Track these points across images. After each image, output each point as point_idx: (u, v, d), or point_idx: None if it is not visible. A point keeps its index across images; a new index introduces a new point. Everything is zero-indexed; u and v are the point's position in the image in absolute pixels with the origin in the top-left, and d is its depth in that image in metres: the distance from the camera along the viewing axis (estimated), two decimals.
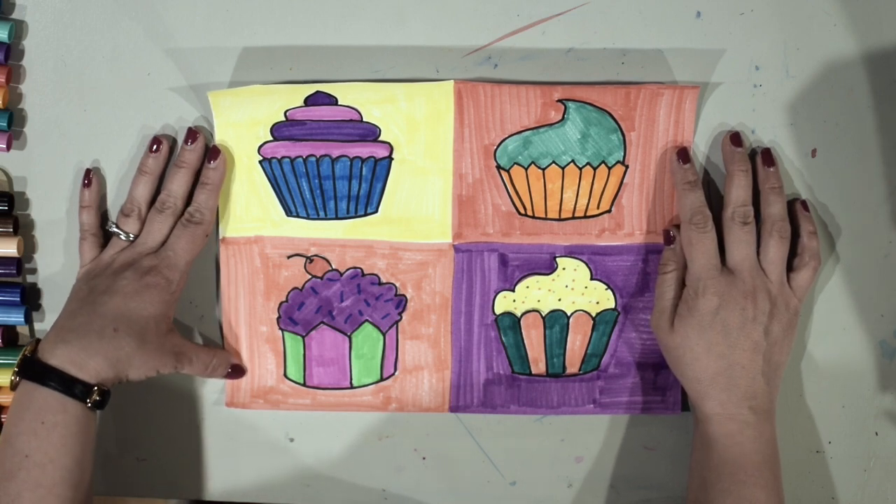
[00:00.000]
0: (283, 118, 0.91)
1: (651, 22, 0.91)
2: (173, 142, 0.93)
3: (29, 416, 0.83)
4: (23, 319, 0.94)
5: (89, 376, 0.83)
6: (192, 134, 0.91)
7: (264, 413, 0.97)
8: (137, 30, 0.92)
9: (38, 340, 0.86)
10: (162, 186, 0.92)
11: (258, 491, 0.98)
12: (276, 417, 0.97)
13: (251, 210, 0.93)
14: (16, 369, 0.85)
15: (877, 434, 0.97)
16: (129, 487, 0.98)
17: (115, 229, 0.91)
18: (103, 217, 0.94)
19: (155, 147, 0.91)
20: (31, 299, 0.96)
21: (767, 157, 0.90)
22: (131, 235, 0.90)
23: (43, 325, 0.96)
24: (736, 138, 0.90)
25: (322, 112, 0.91)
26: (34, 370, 0.83)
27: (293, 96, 0.91)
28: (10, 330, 0.96)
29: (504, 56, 0.92)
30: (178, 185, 0.91)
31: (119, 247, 0.91)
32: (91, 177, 0.92)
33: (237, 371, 0.95)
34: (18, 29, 0.92)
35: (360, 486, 0.98)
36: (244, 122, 0.91)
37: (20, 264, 0.95)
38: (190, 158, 0.91)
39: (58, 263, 0.95)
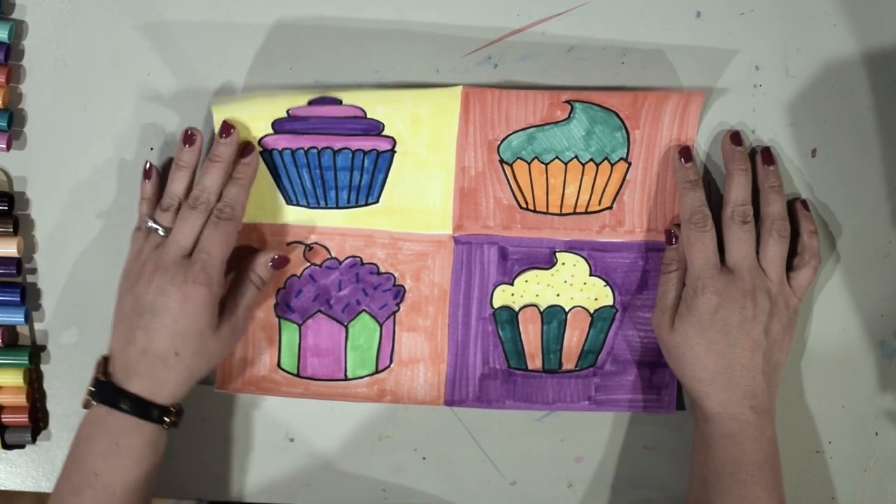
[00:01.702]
0: (286, 115, 0.91)
1: (651, 22, 0.91)
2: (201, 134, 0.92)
3: (104, 437, 0.84)
4: (23, 319, 0.94)
5: (163, 399, 0.85)
6: (226, 127, 0.90)
7: (264, 413, 0.97)
8: (137, 30, 0.92)
9: (106, 359, 0.88)
10: (195, 181, 0.90)
11: (258, 491, 0.98)
12: (275, 418, 0.97)
13: (251, 198, 0.92)
14: (91, 390, 0.86)
15: (877, 434, 0.97)
16: None
17: (152, 224, 0.89)
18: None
19: (190, 135, 0.90)
20: (31, 299, 0.96)
21: (767, 155, 0.91)
22: (168, 229, 0.89)
23: (43, 326, 0.96)
24: (736, 137, 0.91)
25: (325, 110, 0.91)
26: (110, 395, 0.85)
27: (297, 99, 0.90)
28: (10, 330, 0.96)
29: (504, 56, 0.92)
30: (211, 180, 0.89)
31: (155, 243, 0.88)
32: (152, 169, 0.92)
33: (280, 262, 0.92)
34: (18, 29, 0.92)
35: (360, 485, 0.98)
36: (245, 117, 0.91)
37: (20, 264, 0.95)
38: (224, 153, 0.89)
39: (58, 263, 0.95)
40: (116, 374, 0.85)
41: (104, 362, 0.87)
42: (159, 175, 0.92)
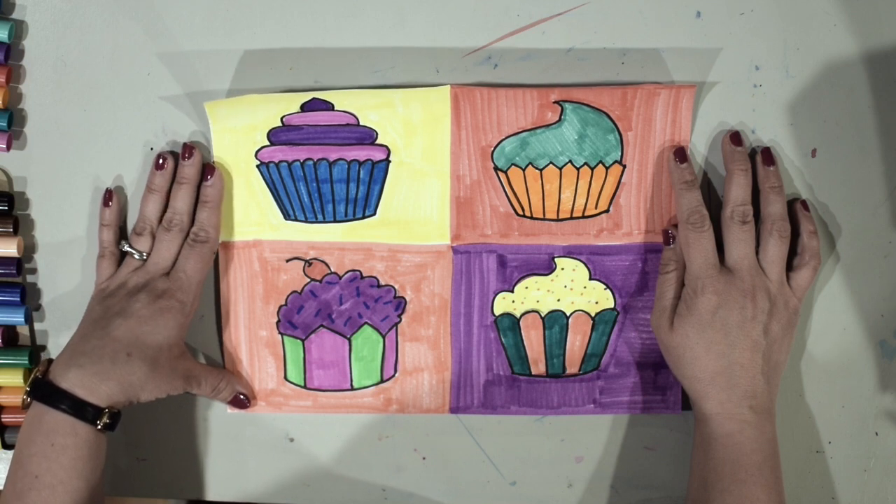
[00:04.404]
0: (280, 123, 0.91)
1: (651, 22, 0.91)
2: (178, 156, 0.93)
3: (39, 437, 0.83)
4: (23, 319, 0.94)
5: (100, 400, 0.84)
6: (187, 149, 0.91)
7: (264, 413, 0.97)
8: (137, 30, 0.92)
9: (51, 360, 0.87)
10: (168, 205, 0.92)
11: (258, 491, 0.98)
12: (276, 417, 0.97)
13: (250, 214, 0.93)
14: (27, 389, 0.85)
15: (877, 434, 0.97)
16: (129, 487, 0.99)
17: (129, 248, 0.91)
18: (122, 233, 0.94)
19: (161, 162, 0.92)
20: (31, 299, 0.96)
21: (767, 156, 0.91)
22: (144, 254, 0.91)
23: (43, 326, 0.96)
24: (736, 137, 0.91)
25: (319, 117, 0.91)
26: (45, 392, 0.84)
27: (290, 103, 0.91)
28: (10, 330, 0.96)
29: (504, 56, 0.92)
30: (181, 202, 0.91)
31: (133, 266, 0.91)
32: (112, 196, 0.93)
33: (239, 402, 0.96)
34: (18, 29, 0.92)
35: (360, 486, 0.98)
36: (241, 127, 0.91)
37: (20, 264, 0.95)
38: (189, 174, 0.91)
39: (58, 263, 0.95)
40: (56, 370, 0.85)
41: (47, 363, 0.87)
42: (120, 201, 0.94)
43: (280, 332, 0.95)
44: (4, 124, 0.91)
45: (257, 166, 0.92)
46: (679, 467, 0.97)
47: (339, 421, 0.97)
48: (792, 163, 0.93)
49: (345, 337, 0.95)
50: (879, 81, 0.92)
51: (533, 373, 0.96)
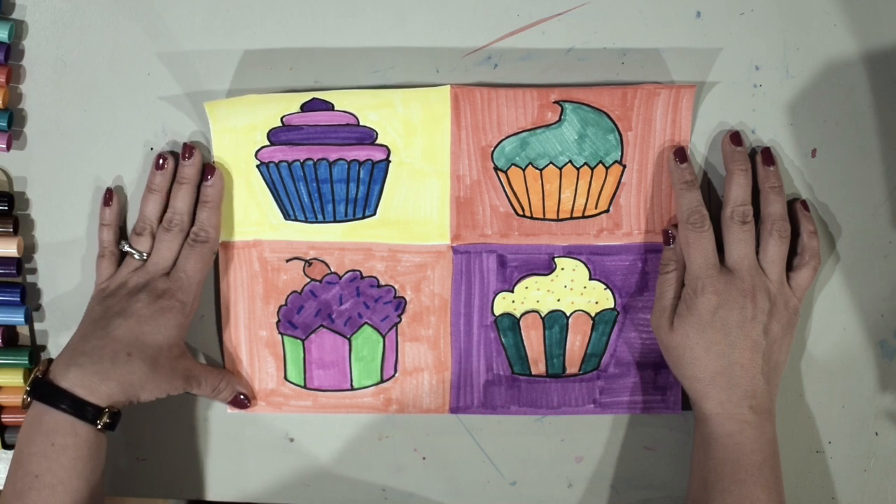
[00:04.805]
0: (280, 123, 0.91)
1: (651, 22, 0.91)
2: (178, 156, 0.93)
3: (39, 437, 0.83)
4: (23, 319, 0.94)
5: (100, 400, 0.84)
6: (187, 149, 0.91)
7: (264, 413, 0.97)
8: (137, 30, 0.92)
9: (51, 360, 0.87)
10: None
11: (258, 491, 0.98)
12: (276, 417, 0.97)
13: (250, 214, 0.93)
14: (27, 389, 0.85)
15: (877, 434, 0.97)
16: (129, 487, 0.99)
17: (129, 248, 0.91)
18: (122, 233, 0.94)
19: (161, 163, 0.92)
20: (31, 299, 0.96)
21: (767, 156, 0.90)
22: (145, 254, 0.91)
23: (43, 326, 0.96)
24: (736, 137, 0.91)
25: (319, 117, 0.91)
26: (45, 392, 0.84)
27: (290, 104, 0.91)
28: (10, 330, 0.96)
29: (504, 56, 0.92)
30: (181, 202, 0.91)
31: (133, 266, 0.91)
32: (112, 196, 0.93)
33: (240, 402, 0.95)
34: (18, 29, 0.92)
35: (360, 486, 0.98)
36: (241, 127, 0.91)
37: (20, 264, 0.95)
38: (189, 174, 0.91)
39: (58, 263, 0.95)
40: (56, 369, 0.85)
41: (47, 363, 0.87)
42: (120, 201, 0.94)
43: (280, 332, 0.95)
44: (4, 124, 0.91)
45: (257, 166, 0.92)
46: (679, 467, 0.97)
47: (339, 421, 0.97)
48: (792, 163, 0.93)
49: (345, 337, 0.95)
50: (879, 81, 0.92)
51: (533, 373, 0.96)
